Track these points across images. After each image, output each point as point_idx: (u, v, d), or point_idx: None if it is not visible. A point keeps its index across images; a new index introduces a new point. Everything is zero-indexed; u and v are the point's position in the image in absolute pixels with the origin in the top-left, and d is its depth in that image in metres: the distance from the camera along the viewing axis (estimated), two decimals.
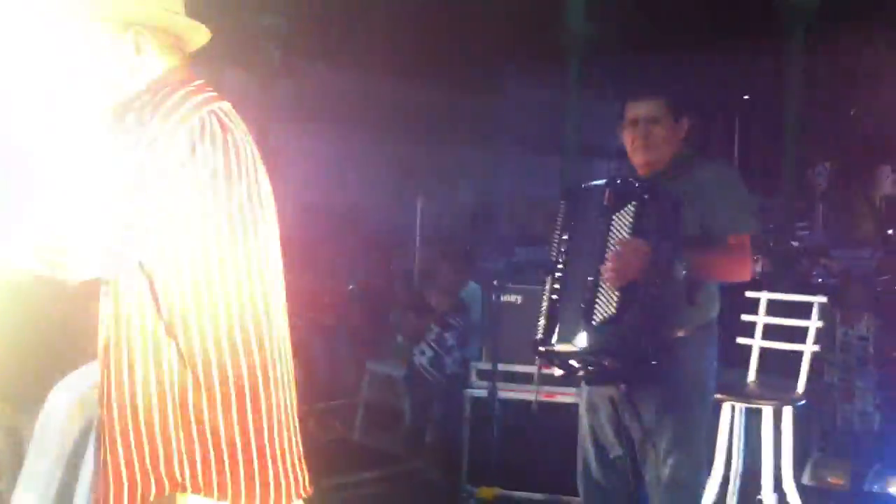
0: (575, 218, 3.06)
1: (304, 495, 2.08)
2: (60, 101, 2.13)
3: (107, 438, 1.96)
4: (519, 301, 4.77)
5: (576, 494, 3.42)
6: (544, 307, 3.03)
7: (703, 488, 3.37)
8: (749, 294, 4.14)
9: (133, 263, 1.87)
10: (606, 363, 2.94)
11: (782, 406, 3.84)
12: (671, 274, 2.91)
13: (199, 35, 2.09)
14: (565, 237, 3.05)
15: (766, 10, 9.34)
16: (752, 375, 4.05)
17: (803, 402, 3.88)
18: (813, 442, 5.07)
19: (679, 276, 2.92)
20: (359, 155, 10.95)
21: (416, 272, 7.91)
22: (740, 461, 4.02)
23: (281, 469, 2.01)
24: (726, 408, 3.88)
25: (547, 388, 4.55)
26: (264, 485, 1.98)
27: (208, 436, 1.92)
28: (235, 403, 1.94)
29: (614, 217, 2.92)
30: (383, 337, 6.97)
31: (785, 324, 4.07)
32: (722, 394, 3.73)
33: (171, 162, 1.83)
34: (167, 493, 1.92)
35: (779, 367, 4.21)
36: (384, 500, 4.86)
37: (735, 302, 3.86)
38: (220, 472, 1.93)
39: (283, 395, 2.04)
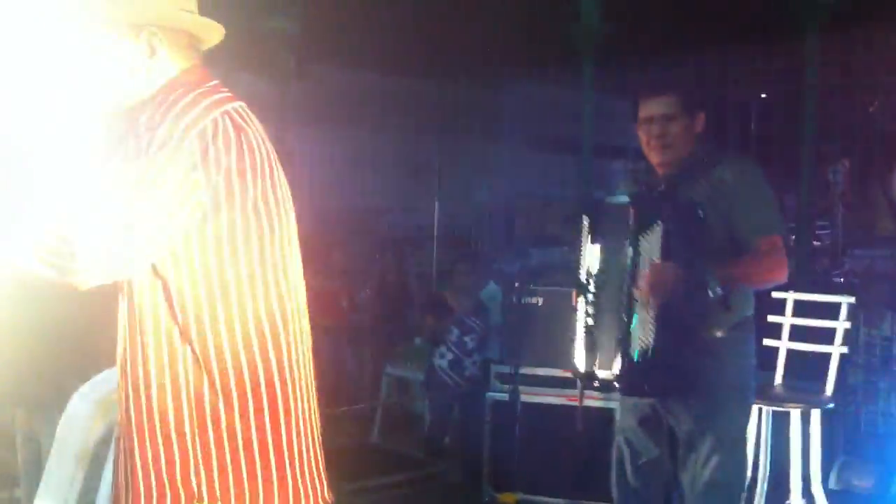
0: (601, 237, 3.03)
1: (322, 503, 2.03)
2: (70, 102, 2.09)
3: (124, 445, 1.93)
4: (540, 303, 4.71)
5: (599, 499, 3.39)
6: (580, 331, 3.03)
7: (744, 490, 3.31)
8: (775, 295, 4.07)
9: (141, 267, 1.83)
10: (646, 386, 2.97)
11: (810, 409, 3.78)
12: (706, 293, 2.87)
13: (214, 33, 2.04)
14: (593, 257, 3.02)
15: (784, 6, 9.25)
16: (779, 378, 3.99)
17: (832, 404, 3.81)
18: (839, 445, 4.99)
19: (714, 295, 2.87)
20: (374, 156, 10.93)
21: (433, 274, 7.88)
22: (767, 465, 3.95)
23: (300, 476, 1.96)
24: (753, 410, 3.82)
25: (570, 391, 4.50)
26: (283, 492, 1.93)
27: (225, 441, 1.88)
28: (252, 408, 1.89)
29: (641, 239, 2.89)
30: (401, 340, 6.95)
31: (812, 325, 4.01)
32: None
33: (182, 164, 1.79)
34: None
35: (802, 369, 4.16)
36: None
37: (761, 303, 3.80)
38: (237, 480, 1.88)
39: (303, 400, 2.00)
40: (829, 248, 11.35)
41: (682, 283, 2.82)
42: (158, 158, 1.78)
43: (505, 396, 4.61)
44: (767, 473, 3.96)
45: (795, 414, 3.77)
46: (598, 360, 2.99)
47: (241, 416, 1.88)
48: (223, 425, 1.87)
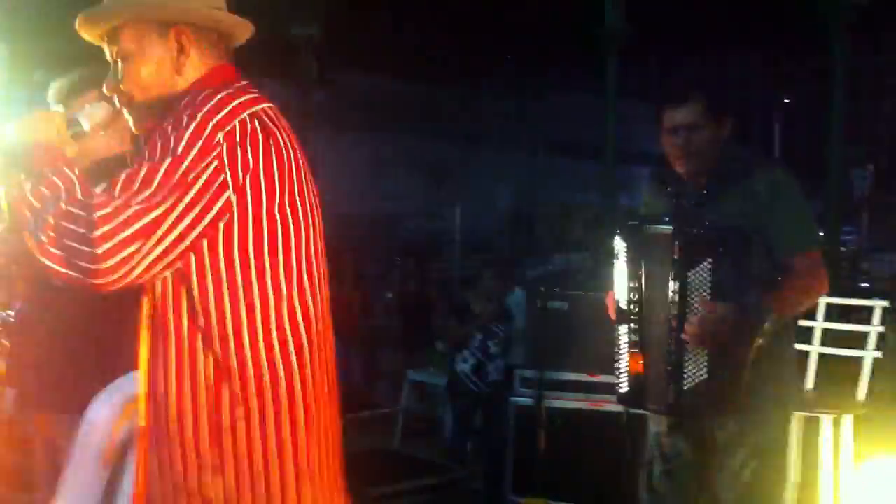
0: (642, 265, 2.93)
1: None
2: (100, 102, 2.05)
3: (143, 450, 1.90)
4: (565, 308, 4.66)
5: None
6: (625, 359, 2.98)
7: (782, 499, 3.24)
8: None
9: (165, 271, 1.80)
10: (695, 413, 2.93)
11: (842, 415, 3.70)
12: (760, 328, 2.79)
13: (243, 31, 2.02)
14: (634, 285, 2.93)
15: (809, 11, 9.16)
16: (810, 383, 3.91)
17: (864, 410, 3.73)
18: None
19: (768, 327, 2.81)
20: (397, 162, 10.92)
21: (455, 279, 7.84)
22: (797, 472, 3.87)
23: (318, 486, 1.92)
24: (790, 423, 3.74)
25: (596, 395, 4.45)
26: (301, 501, 1.88)
27: (244, 449, 1.83)
28: (273, 416, 1.85)
29: (690, 274, 2.80)
30: (423, 345, 6.90)
31: (844, 329, 3.93)
32: None
33: (210, 165, 1.76)
34: None
35: (832, 374, 4.08)
36: None
37: None
38: (255, 489, 1.84)
39: (326, 407, 1.95)
40: (853, 252, 11.25)
41: (736, 326, 2.74)
42: (185, 159, 1.74)
43: (529, 401, 4.55)
44: (797, 480, 3.88)
45: (826, 420, 3.69)
46: (647, 394, 2.93)
47: (262, 423, 1.84)
48: (242, 433, 1.83)
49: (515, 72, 11.04)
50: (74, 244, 1.70)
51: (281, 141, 1.87)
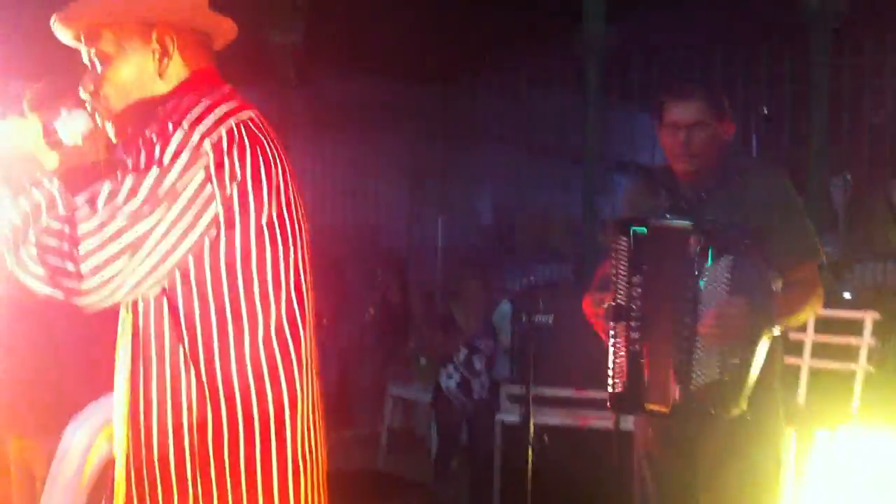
0: (649, 259, 2.83)
1: None
2: (82, 107, 1.94)
3: (121, 474, 1.82)
4: (550, 322, 4.59)
5: None
6: (623, 358, 2.85)
7: None
8: None
9: (151, 288, 1.72)
10: (697, 420, 2.84)
11: (836, 429, 3.65)
12: (771, 332, 2.75)
13: (226, 31, 1.94)
14: (637, 279, 2.83)
15: (789, 19, 9.19)
16: (801, 397, 3.86)
17: (857, 425, 3.68)
18: None
19: (776, 333, 2.77)
20: (378, 168, 10.85)
21: (438, 289, 7.75)
22: (789, 488, 3.81)
23: None
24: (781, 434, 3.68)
25: (584, 411, 4.38)
26: None
27: (227, 477, 1.76)
28: (259, 440, 1.77)
29: (707, 270, 2.72)
30: (404, 359, 6.81)
31: (834, 342, 3.88)
32: None
33: (196, 176, 1.68)
34: None
35: (817, 388, 4.04)
36: None
37: None
38: None
39: (311, 428, 1.87)
40: (835, 262, 11.23)
41: (751, 323, 2.67)
42: (171, 170, 1.67)
43: (516, 418, 4.48)
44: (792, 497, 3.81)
45: (820, 435, 3.63)
46: (649, 392, 2.82)
47: (247, 444, 1.76)
48: (226, 454, 1.75)
49: (497, 75, 10.99)
50: (57, 261, 1.62)
51: (268, 150, 1.80)
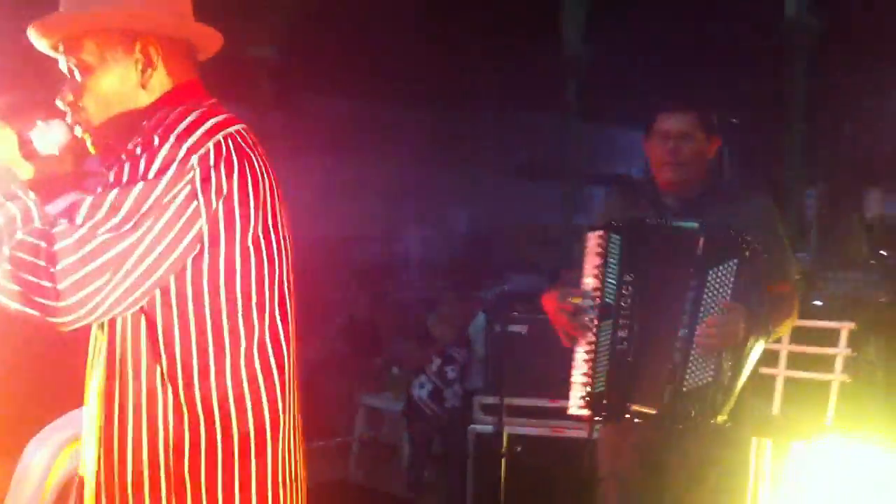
0: (644, 258, 2.82)
1: None
2: (63, 119, 1.86)
3: (92, 499, 1.73)
4: (524, 332, 4.55)
5: None
6: (605, 357, 2.80)
7: None
8: None
9: (132, 307, 1.64)
10: (679, 425, 2.76)
11: (811, 440, 3.62)
12: (766, 339, 2.78)
13: (212, 41, 1.88)
14: (629, 278, 2.80)
15: (764, 36, 9.27)
16: (776, 407, 3.83)
17: (833, 435, 3.66)
18: None
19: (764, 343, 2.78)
20: (354, 184, 10.81)
21: (412, 301, 7.71)
22: (764, 499, 3.79)
23: None
24: (751, 444, 3.65)
25: (557, 421, 4.33)
26: None
27: (203, 500, 1.68)
28: (238, 462, 1.70)
29: (711, 272, 2.70)
30: (376, 369, 6.75)
31: (810, 352, 3.87)
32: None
33: (182, 191, 1.61)
34: None
35: (800, 398, 4.02)
36: None
37: None
38: None
39: (292, 450, 1.81)
40: (807, 272, 11.29)
41: (748, 330, 2.67)
42: (157, 185, 1.59)
43: (489, 428, 4.43)
44: None
45: (797, 446, 3.61)
46: (636, 392, 2.78)
47: (225, 466, 1.69)
48: (202, 476, 1.68)
49: (471, 92, 11.00)
50: (32, 278, 1.54)
51: (256, 165, 1.73)
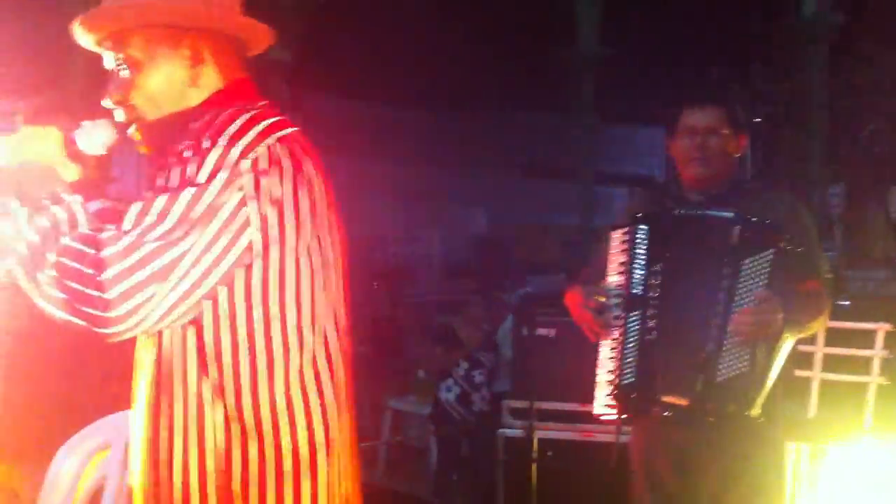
0: (673, 247, 2.77)
1: None
2: (102, 120, 1.76)
3: None
4: (552, 334, 4.49)
5: None
6: (633, 348, 2.75)
7: None
8: None
9: (182, 317, 1.57)
10: (711, 418, 2.70)
11: (848, 443, 3.56)
12: (798, 333, 2.73)
13: (262, 36, 1.79)
14: (657, 268, 2.76)
15: (784, 32, 9.18)
16: (812, 410, 3.76)
17: (871, 438, 3.59)
18: None
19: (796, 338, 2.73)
20: (373, 186, 10.81)
21: (434, 304, 7.68)
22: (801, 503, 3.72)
23: None
24: (788, 448, 3.59)
25: (587, 425, 4.28)
26: None
27: None
28: (292, 483, 1.63)
29: (746, 262, 2.65)
30: (401, 372, 6.72)
31: (845, 354, 3.80)
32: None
33: (233, 198, 1.54)
34: None
35: (836, 401, 3.94)
36: None
37: None
38: None
39: (343, 467, 1.74)
40: (833, 271, 11.17)
41: (783, 322, 2.61)
42: (207, 190, 1.52)
43: (518, 432, 4.38)
44: None
45: (834, 451, 3.54)
46: (664, 382, 2.73)
47: (279, 490, 1.61)
48: (251, 494, 1.60)
49: (489, 92, 10.97)
50: (80, 287, 1.47)
51: (309, 170, 1.66)
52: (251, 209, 1.55)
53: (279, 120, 1.65)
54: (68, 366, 2.29)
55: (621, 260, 2.81)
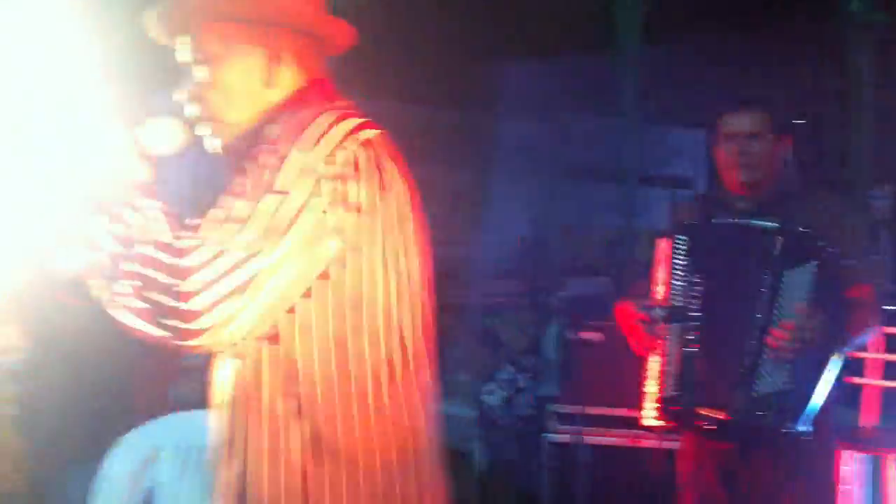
0: (716, 258, 2.73)
1: None
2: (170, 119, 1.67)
3: None
4: (597, 339, 4.45)
5: None
6: (675, 357, 2.72)
7: None
8: None
9: (263, 330, 1.51)
10: (751, 433, 2.66)
11: None
12: (845, 347, 2.66)
13: (344, 37, 1.71)
14: (697, 279, 2.72)
15: (830, 31, 9.04)
16: (871, 418, 3.68)
17: None
18: None
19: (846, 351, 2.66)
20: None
21: (477, 306, 7.63)
22: None
23: None
24: (845, 457, 3.50)
25: (635, 431, 4.22)
26: None
27: None
28: (368, 501, 1.55)
29: (787, 274, 2.59)
30: (443, 375, 6.68)
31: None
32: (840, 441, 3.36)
33: (314, 204, 1.47)
34: None
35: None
36: None
37: None
38: None
39: (428, 489, 1.69)
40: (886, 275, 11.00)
41: (827, 336, 2.54)
42: (286, 196, 1.45)
43: (564, 438, 4.33)
44: None
45: (892, 459, 3.46)
46: (704, 395, 2.69)
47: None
48: None
49: (534, 96, 10.92)
50: (159, 297, 1.41)
51: (393, 175, 1.59)
52: (333, 216, 1.48)
53: (363, 122, 1.58)
54: (119, 371, 2.28)
55: (665, 269, 2.77)
